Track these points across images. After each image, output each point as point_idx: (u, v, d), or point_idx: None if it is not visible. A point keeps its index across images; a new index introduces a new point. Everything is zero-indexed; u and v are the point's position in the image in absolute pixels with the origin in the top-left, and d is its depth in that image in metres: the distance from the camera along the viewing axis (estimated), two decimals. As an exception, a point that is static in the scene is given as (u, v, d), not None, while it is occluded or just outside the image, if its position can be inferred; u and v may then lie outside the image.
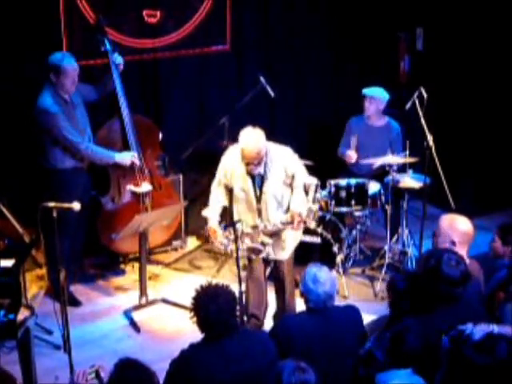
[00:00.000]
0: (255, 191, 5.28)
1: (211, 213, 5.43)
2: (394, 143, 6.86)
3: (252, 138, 5.12)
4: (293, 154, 5.38)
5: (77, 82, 5.94)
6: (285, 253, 5.46)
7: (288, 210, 5.35)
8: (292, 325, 4.21)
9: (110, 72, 6.25)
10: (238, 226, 5.08)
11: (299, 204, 5.32)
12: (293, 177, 5.32)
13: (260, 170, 5.21)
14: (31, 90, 6.03)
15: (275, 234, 5.38)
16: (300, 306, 5.31)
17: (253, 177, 5.25)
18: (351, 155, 6.90)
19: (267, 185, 5.26)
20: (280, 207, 5.36)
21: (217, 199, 5.45)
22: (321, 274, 4.21)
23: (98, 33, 6.27)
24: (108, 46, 6.25)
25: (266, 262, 5.56)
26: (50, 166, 5.98)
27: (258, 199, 5.29)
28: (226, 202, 5.44)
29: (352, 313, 4.34)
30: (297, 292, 4.75)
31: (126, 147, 6.32)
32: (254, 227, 5.31)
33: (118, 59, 6.28)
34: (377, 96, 6.95)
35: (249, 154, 5.10)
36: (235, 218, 5.19)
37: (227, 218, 5.43)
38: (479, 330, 3.70)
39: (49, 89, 5.86)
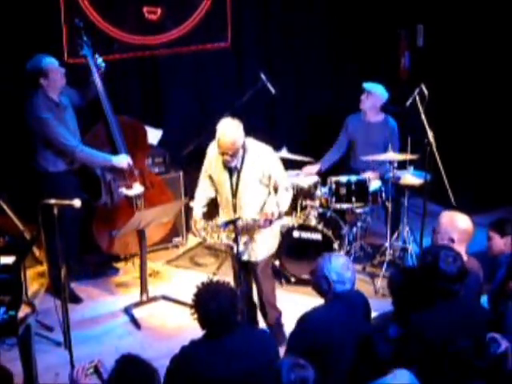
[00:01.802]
0: (231, 185, 5.26)
1: (196, 203, 5.46)
2: (390, 140, 6.82)
3: (228, 127, 5.09)
4: (272, 153, 5.33)
5: (64, 76, 5.91)
6: (256, 254, 5.38)
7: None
8: (326, 318, 4.12)
9: (91, 75, 6.17)
10: (239, 222, 5.08)
11: (273, 204, 5.28)
12: (269, 177, 5.25)
13: (236, 163, 5.18)
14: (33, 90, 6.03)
15: (248, 234, 5.30)
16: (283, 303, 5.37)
17: (230, 171, 5.23)
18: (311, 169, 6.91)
19: (242, 179, 5.23)
20: (255, 205, 5.30)
21: (202, 190, 5.45)
22: (341, 259, 4.25)
23: (75, 36, 6.22)
24: (86, 50, 6.17)
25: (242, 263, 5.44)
26: (41, 170, 5.96)
27: (234, 194, 5.27)
28: (211, 194, 5.44)
29: (363, 297, 4.39)
30: (305, 290, 4.56)
31: (114, 150, 6.25)
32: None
33: (99, 62, 6.18)
34: (374, 92, 6.90)
35: (224, 144, 5.07)
36: (235, 215, 5.19)
37: (212, 210, 5.47)
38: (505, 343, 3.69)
39: (37, 95, 5.83)
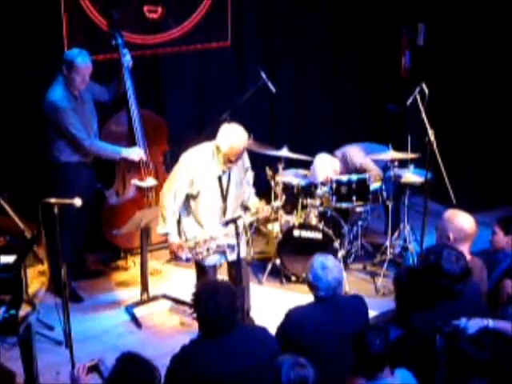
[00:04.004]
0: (222, 191, 5.29)
1: (170, 228, 5.31)
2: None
3: (240, 133, 5.15)
4: None
5: (88, 81, 5.94)
6: (243, 251, 5.45)
7: (242, 206, 5.45)
8: (302, 316, 4.20)
9: (120, 66, 6.26)
10: (239, 222, 5.09)
11: (253, 194, 5.56)
12: (246, 170, 5.43)
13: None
14: (33, 86, 6.04)
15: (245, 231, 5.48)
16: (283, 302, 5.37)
17: (220, 178, 5.26)
18: None
19: (232, 180, 5.30)
20: (238, 203, 5.43)
21: (175, 213, 5.31)
22: (328, 262, 4.25)
23: (110, 27, 6.30)
24: (120, 40, 6.28)
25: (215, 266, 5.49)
26: (54, 160, 5.99)
27: (225, 198, 5.31)
28: (177, 215, 5.35)
29: (359, 302, 4.38)
30: (305, 288, 4.56)
31: (132, 141, 6.34)
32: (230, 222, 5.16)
33: (127, 56, 6.29)
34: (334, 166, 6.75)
35: (238, 150, 5.12)
36: (234, 215, 5.19)
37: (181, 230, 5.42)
38: (473, 325, 3.72)
39: (60, 82, 5.86)
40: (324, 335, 4.11)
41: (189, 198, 5.32)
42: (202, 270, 5.45)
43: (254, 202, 5.48)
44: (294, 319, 4.21)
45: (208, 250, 5.28)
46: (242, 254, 5.44)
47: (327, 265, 4.22)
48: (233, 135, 5.12)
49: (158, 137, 6.62)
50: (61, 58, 5.89)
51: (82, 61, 5.86)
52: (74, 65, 5.82)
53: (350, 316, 4.21)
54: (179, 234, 5.39)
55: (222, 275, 5.52)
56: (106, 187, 6.47)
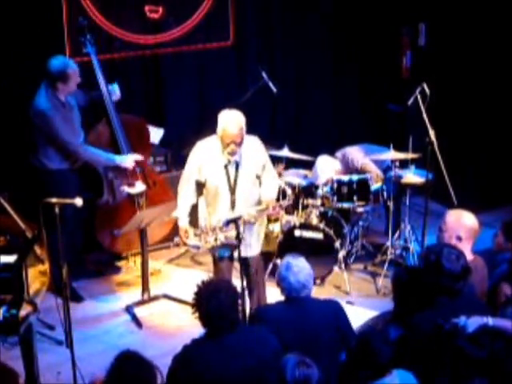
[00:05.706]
0: (229, 182, 5.26)
1: (181, 212, 5.36)
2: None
3: (232, 115, 5.14)
4: (261, 143, 5.39)
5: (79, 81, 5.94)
6: (255, 248, 5.45)
7: (258, 203, 5.36)
8: (266, 311, 4.24)
9: (95, 74, 6.21)
10: (239, 222, 5.07)
11: (270, 192, 5.37)
12: (263, 167, 5.34)
13: (236, 157, 5.20)
14: (33, 87, 6.03)
15: (247, 229, 5.31)
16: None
17: (227, 167, 5.24)
18: None
19: (242, 173, 5.25)
20: (251, 198, 5.35)
21: (185, 198, 5.36)
22: (295, 263, 4.22)
23: (79, 35, 6.26)
24: (89, 48, 6.22)
25: (231, 259, 5.44)
26: (42, 167, 5.96)
27: (233, 190, 5.27)
28: (194, 200, 5.40)
29: (331, 307, 4.30)
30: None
31: (116, 149, 6.28)
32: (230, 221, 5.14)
33: (114, 88, 6.27)
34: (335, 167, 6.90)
35: (233, 132, 5.08)
36: (235, 214, 5.18)
37: (195, 217, 5.41)
38: (473, 322, 3.72)
39: (46, 91, 5.83)
40: (286, 335, 4.05)
41: (200, 185, 5.34)
42: (214, 260, 5.45)
43: (267, 199, 5.35)
44: (259, 313, 4.25)
45: (216, 240, 5.26)
46: (255, 251, 5.45)
47: (292, 266, 4.19)
48: (226, 118, 5.13)
49: (142, 140, 6.55)
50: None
51: (71, 66, 5.87)
52: (67, 73, 5.81)
53: (317, 320, 4.15)
54: (195, 220, 5.39)
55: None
56: (95, 198, 6.37)
